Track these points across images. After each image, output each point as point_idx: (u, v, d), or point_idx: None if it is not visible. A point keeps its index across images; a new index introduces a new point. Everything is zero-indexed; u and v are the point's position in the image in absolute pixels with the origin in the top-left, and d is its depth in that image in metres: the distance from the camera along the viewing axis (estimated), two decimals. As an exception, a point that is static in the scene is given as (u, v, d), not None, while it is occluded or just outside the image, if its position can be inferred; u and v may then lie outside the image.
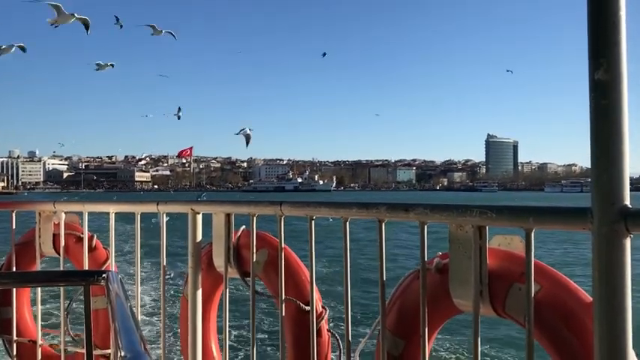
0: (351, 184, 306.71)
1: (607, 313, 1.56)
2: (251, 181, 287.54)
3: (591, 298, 1.67)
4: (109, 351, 4.11)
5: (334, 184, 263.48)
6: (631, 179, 1.61)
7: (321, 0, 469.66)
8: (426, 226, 2.43)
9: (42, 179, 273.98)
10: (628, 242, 1.57)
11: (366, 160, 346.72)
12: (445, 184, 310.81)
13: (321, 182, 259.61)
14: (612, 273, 1.56)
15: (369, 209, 2.64)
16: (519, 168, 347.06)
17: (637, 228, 1.53)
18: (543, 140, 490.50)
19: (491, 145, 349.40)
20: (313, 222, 2.98)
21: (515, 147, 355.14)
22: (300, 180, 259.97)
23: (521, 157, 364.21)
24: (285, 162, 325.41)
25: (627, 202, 1.55)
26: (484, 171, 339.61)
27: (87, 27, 16.19)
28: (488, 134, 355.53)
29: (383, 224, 2.63)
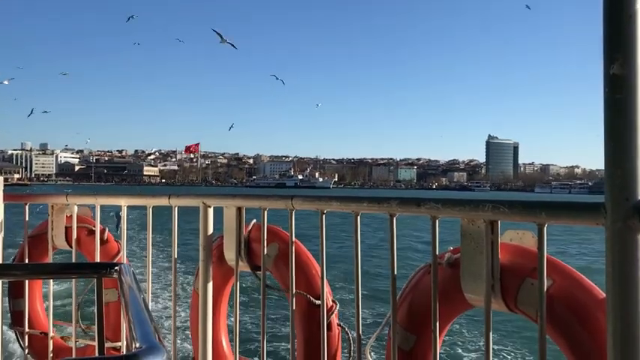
0: (352, 182, 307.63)
1: (620, 309, 1.55)
2: (254, 177, 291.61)
3: (604, 294, 1.66)
4: (119, 343, 4.14)
5: (334, 182, 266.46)
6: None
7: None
8: (437, 221, 2.42)
9: (54, 172, 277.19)
10: None
11: (371, 159, 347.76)
12: (446, 183, 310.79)
13: (320, 179, 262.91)
14: (626, 268, 1.54)
15: (380, 204, 2.63)
16: (521, 169, 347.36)
17: None
18: (549, 141, 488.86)
19: (492, 146, 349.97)
20: (324, 216, 2.97)
21: (515, 148, 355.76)
22: (300, 177, 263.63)
23: (526, 158, 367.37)
24: (290, 159, 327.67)
25: None
26: (485, 171, 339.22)
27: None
28: (489, 135, 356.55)
29: (394, 219, 2.62)
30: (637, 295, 1.53)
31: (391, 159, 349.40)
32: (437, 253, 2.48)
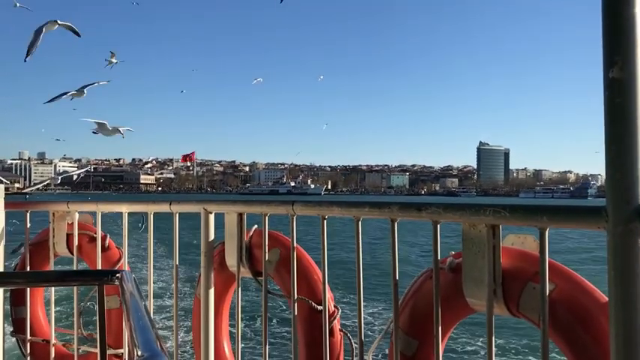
0: (344, 189, 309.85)
1: (622, 313, 1.55)
2: (247, 184, 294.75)
3: (607, 297, 1.65)
4: (121, 350, 4.14)
5: (326, 188, 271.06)
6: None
7: (320, 3, 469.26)
8: (439, 226, 2.42)
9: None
10: None
11: (366, 165, 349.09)
12: (436, 189, 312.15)
13: (312, 186, 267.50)
14: (628, 272, 1.54)
15: (381, 209, 2.62)
16: (513, 174, 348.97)
17: None
18: (543, 147, 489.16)
19: (483, 152, 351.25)
20: (325, 222, 2.97)
21: (506, 154, 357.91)
22: (293, 184, 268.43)
23: (520, 164, 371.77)
24: (285, 166, 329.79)
25: None
26: (476, 177, 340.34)
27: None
28: (480, 142, 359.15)
29: (395, 223, 2.62)
30: (639, 299, 1.53)
31: (385, 165, 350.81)
32: (438, 257, 2.48)
